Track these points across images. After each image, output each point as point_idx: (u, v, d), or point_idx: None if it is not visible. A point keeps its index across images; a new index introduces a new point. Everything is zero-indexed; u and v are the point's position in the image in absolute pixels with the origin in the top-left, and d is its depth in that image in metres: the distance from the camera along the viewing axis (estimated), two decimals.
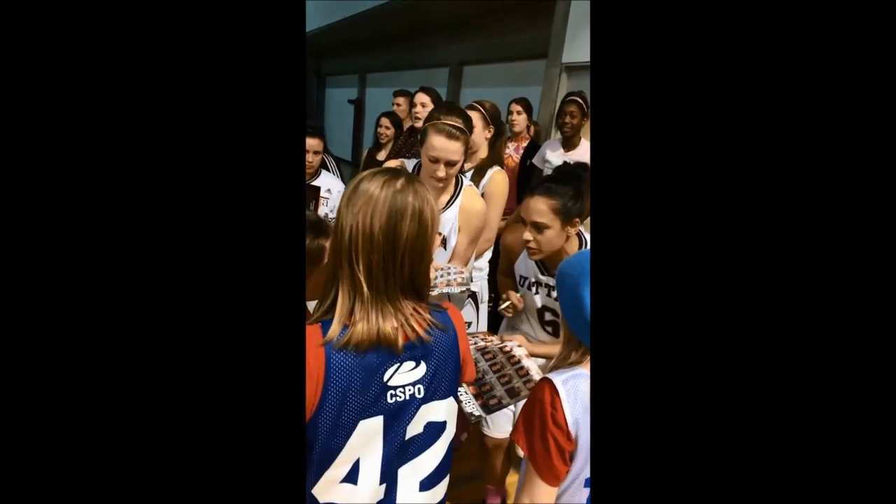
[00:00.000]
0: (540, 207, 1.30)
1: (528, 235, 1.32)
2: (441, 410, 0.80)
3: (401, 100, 3.20)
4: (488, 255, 2.04)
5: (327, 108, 10.15)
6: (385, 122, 2.99)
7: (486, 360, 1.30)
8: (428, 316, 0.79)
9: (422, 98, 2.58)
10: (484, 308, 2.00)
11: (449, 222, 1.56)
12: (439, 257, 1.59)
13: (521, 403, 1.15)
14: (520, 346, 1.35)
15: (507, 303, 1.50)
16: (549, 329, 1.52)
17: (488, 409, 1.16)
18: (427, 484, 0.79)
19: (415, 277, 0.78)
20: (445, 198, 1.57)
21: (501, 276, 1.65)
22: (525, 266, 1.51)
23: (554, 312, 1.47)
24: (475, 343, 1.36)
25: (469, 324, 2.00)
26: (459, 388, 1.16)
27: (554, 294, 1.41)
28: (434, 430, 0.80)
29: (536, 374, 1.25)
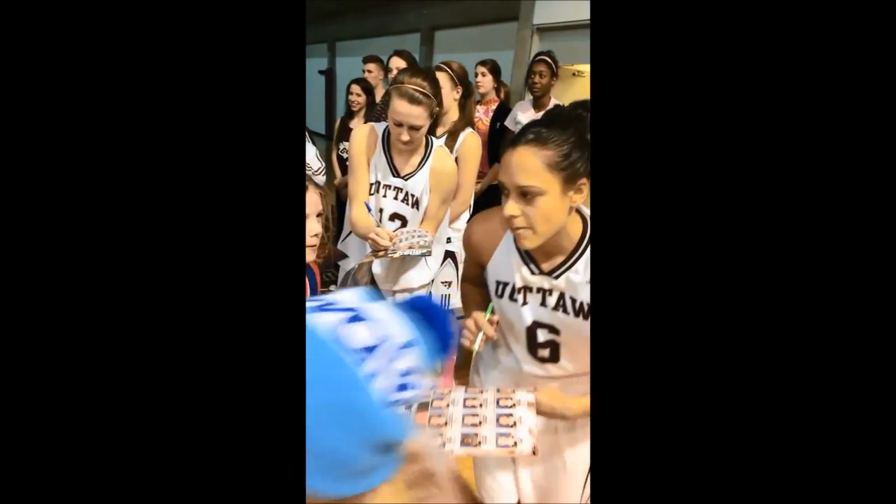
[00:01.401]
0: (528, 163, 0.87)
1: (512, 209, 0.89)
2: None
3: (372, 66, 3.17)
4: (465, 216, 2.08)
5: None
6: (356, 88, 2.96)
7: (468, 392, 1.01)
8: None
9: (397, 62, 2.56)
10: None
11: (420, 184, 1.59)
12: (413, 219, 1.62)
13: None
14: (533, 391, 0.99)
15: (480, 336, 1.01)
16: (546, 354, 1.06)
17: None
18: None
19: None
20: (416, 160, 1.59)
21: (467, 285, 1.21)
22: (505, 265, 1.04)
23: (552, 329, 1.03)
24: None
25: (449, 283, 2.05)
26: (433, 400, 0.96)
27: (551, 301, 1.00)
28: None
29: (524, 434, 0.90)
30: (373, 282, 1.60)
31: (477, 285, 1.15)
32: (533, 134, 0.88)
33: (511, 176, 0.88)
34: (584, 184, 0.89)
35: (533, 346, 1.06)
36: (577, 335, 0.99)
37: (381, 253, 1.51)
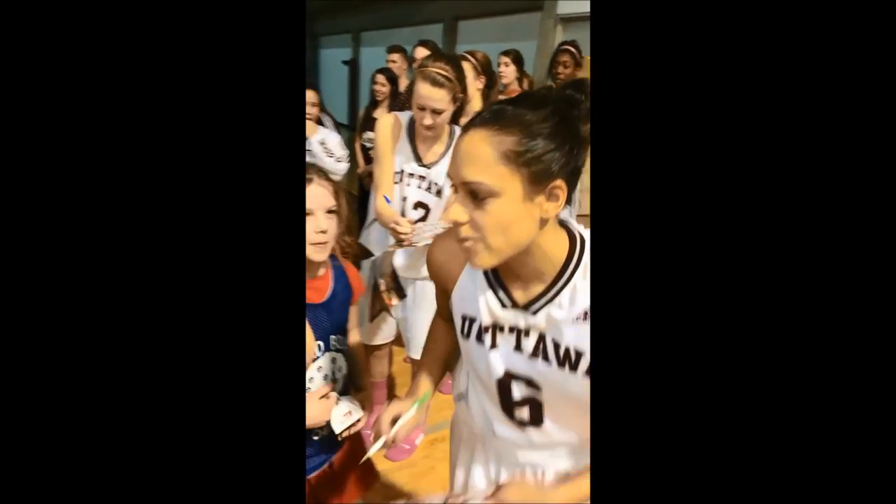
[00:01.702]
0: (478, 151, 0.62)
1: (457, 213, 0.65)
2: None
3: (396, 56, 3.18)
4: None
5: (321, 70, 10.00)
6: (380, 78, 2.98)
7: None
8: None
9: (421, 52, 2.58)
10: None
11: (443, 173, 1.60)
12: (436, 207, 1.64)
13: None
14: (502, 486, 0.77)
15: (379, 442, 0.84)
16: (525, 416, 0.80)
17: None
18: None
19: None
20: (440, 148, 1.60)
21: (439, 321, 0.97)
22: (469, 295, 0.79)
23: (530, 383, 0.77)
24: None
25: None
26: None
27: (528, 345, 0.75)
28: None
29: None
30: (394, 271, 1.62)
31: (449, 320, 0.88)
32: (490, 113, 0.64)
33: (456, 167, 0.64)
34: (560, 188, 0.64)
35: (508, 404, 0.80)
36: (561, 392, 0.74)
37: (404, 242, 1.53)
